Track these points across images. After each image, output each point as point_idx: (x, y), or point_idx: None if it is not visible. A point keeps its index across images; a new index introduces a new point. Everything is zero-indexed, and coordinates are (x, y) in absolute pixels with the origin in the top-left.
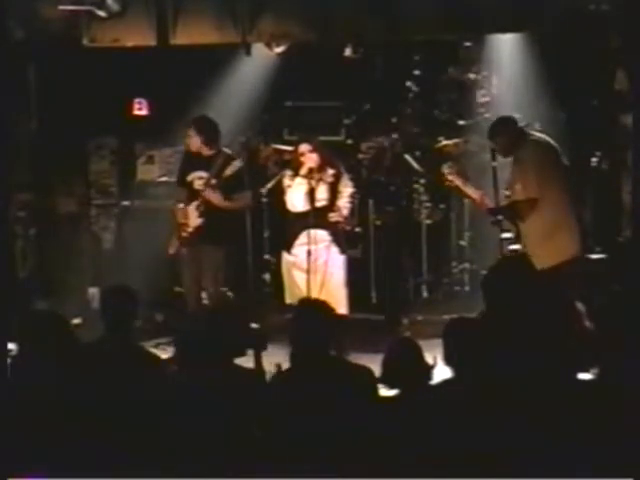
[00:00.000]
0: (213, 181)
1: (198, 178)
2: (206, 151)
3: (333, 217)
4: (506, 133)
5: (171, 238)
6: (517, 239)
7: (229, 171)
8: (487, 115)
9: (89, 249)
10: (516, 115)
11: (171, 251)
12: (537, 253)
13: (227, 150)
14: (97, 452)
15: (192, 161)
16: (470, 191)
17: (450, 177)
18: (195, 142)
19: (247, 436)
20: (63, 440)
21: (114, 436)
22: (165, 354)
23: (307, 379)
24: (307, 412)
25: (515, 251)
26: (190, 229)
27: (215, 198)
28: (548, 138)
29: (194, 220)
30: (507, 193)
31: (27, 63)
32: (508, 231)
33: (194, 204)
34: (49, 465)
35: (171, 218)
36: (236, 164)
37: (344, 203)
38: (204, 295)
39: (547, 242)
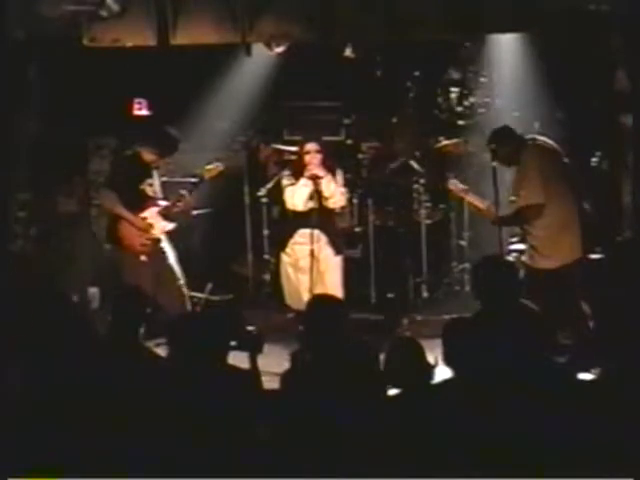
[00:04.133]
0: (157, 188)
1: (149, 185)
2: (156, 160)
3: (332, 204)
4: (504, 144)
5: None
6: (523, 240)
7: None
8: (487, 115)
9: (89, 249)
10: (515, 114)
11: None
12: (544, 254)
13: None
14: (97, 452)
15: (142, 168)
16: (477, 202)
17: (457, 192)
18: (151, 155)
19: (245, 436)
20: (63, 440)
21: (115, 436)
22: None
23: (312, 377)
24: (307, 410)
25: (518, 251)
26: (156, 235)
27: (188, 202)
28: (549, 140)
29: (161, 225)
30: (512, 198)
31: (27, 63)
32: (515, 236)
33: (154, 210)
34: (49, 465)
35: (118, 227)
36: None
37: (338, 195)
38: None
39: (554, 244)
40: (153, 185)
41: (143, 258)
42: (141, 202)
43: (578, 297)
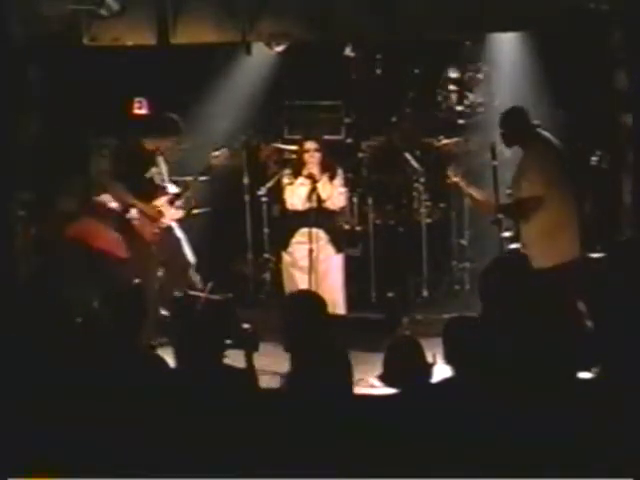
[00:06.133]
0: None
1: (157, 173)
2: (162, 147)
3: (331, 205)
4: (511, 123)
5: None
6: (517, 237)
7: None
8: (487, 114)
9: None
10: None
11: (124, 255)
12: (538, 252)
13: None
14: (97, 452)
15: (147, 158)
16: (474, 192)
17: (455, 179)
18: (152, 141)
19: (241, 436)
20: (63, 440)
21: (114, 436)
22: (166, 353)
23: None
24: (305, 409)
25: (515, 250)
26: (166, 223)
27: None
28: (553, 137)
29: (172, 214)
30: (508, 192)
31: (27, 63)
32: (509, 230)
33: (165, 199)
34: (49, 465)
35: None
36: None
37: (337, 195)
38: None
39: (549, 242)
40: (161, 173)
41: (153, 247)
42: (150, 191)
43: (574, 297)
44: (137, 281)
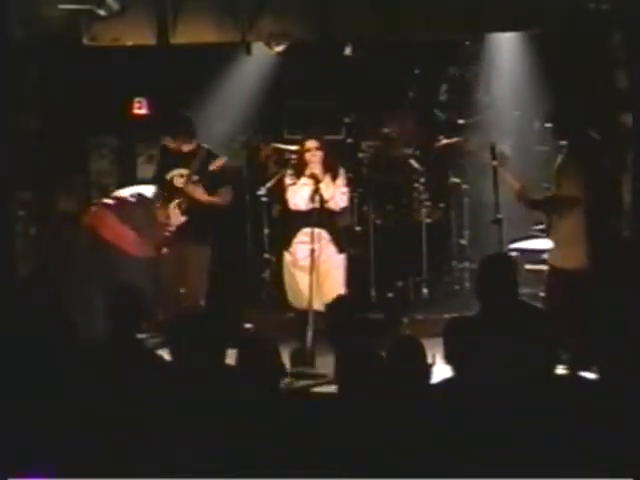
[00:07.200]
0: (195, 177)
1: (179, 175)
2: (185, 147)
3: (333, 205)
4: (565, 118)
5: (151, 239)
6: (548, 232)
7: (212, 167)
8: (487, 114)
9: (89, 248)
10: (515, 113)
11: (151, 253)
12: (568, 252)
13: (206, 145)
14: (97, 452)
15: (170, 158)
16: (511, 179)
17: (494, 162)
18: (172, 143)
19: (244, 435)
20: (63, 440)
21: (114, 436)
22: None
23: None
24: (307, 409)
25: (503, 253)
26: (172, 228)
27: (197, 193)
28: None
29: (176, 218)
30: (546, 185)
31: (27, 63)
32: (540, 223)
33: (174, 202)
34: (49, 465)
35: (148, 218)
36: (218, 161)
37: (340, 195)
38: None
39: (579, 244)
40: (183, 176)
41: (164, 250)
42: (167, 193)
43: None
44: (137, 280)
